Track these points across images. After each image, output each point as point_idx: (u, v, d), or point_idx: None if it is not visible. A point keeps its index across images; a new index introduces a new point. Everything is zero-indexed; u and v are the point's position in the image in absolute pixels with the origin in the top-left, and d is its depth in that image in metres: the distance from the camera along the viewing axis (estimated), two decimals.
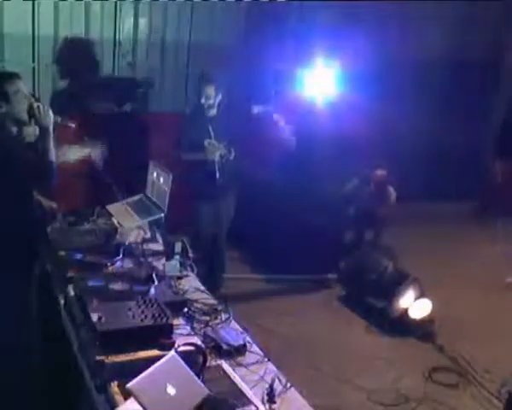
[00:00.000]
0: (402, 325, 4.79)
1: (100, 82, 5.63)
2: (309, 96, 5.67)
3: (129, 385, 1.99)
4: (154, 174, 4.01)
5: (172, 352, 2.21)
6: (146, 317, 2.47)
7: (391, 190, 6.16)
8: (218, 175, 4.54)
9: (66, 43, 5.42)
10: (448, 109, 7.24)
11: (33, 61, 5.31)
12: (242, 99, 5.39)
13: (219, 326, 2.71)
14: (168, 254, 3.26)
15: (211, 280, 4.10)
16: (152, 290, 2.83)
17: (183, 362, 2.15)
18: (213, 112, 4.57)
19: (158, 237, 3.62)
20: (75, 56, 5.46)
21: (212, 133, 4.52)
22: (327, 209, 5.65)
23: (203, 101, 4.50)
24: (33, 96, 3.32)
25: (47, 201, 3.69)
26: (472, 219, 7.28)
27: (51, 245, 3.35)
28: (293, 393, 2.31)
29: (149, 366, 2.08)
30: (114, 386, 2.18)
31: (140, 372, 2.04)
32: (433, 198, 7.20)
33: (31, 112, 3.07)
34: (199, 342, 2.45)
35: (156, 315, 2.49)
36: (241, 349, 2.55)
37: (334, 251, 5.67)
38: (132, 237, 3.55)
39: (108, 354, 2.27)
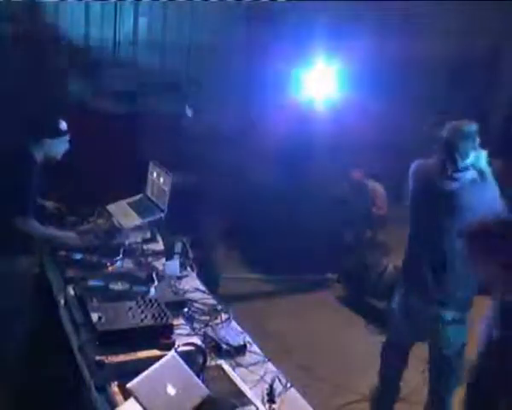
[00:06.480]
0: None
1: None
2: (308, 97, 5.66)
3: (129, 385, 2.00)
4: (154, 174, 4.01)
5: (172, 352, 2.22)
6: (146, 317, 2.47)
7: (377, 186, 6.17)
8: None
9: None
10: (447, 109, 7.23)
11: None
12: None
13: (219, 326, 2.72)
14: (168, 254, 3.27)
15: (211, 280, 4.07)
16: (152, 290, 2.83)
17: (183, 362, 2.15)
18: None
19: (158, 237, 3.63)
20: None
21: None
22: (326, 209, 5.65)
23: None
24: None
25: (52, 203, 3.68)
26: None
27: (51, 245, 3.35)
28: (293, 393, 2.31)
29: (149, 366, 2.08)
30: (114, 386, 2.18)
31: (140, 372, 2.04)
32: None
33: None
34: (199, 342, 2.45)
35: (156, 315, 2.49)
36: (241, 349, 2.55)
37: (334, 251, 5.67)
38: (132, 237, 3.55)
39: (108, 354, 2.27)
